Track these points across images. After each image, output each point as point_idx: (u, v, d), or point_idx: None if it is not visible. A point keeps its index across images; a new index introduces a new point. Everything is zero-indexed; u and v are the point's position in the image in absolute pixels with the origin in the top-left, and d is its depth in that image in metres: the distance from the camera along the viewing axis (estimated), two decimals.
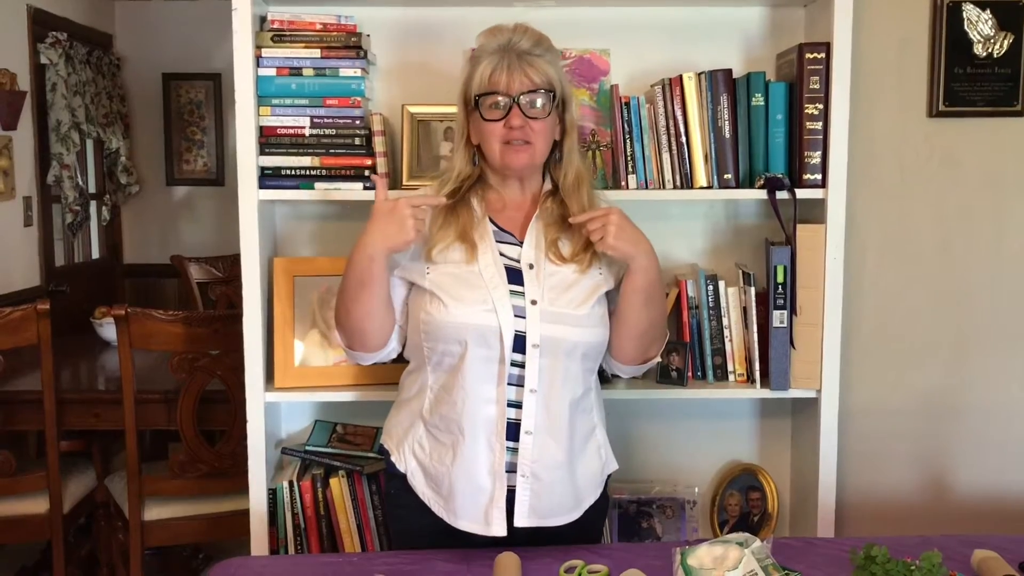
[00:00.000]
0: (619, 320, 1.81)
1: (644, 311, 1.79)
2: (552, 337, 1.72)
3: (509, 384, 1.72)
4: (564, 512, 1.79)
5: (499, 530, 1.74)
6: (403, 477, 1.81)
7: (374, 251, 1.70)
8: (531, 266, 1.76)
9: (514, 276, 1.75)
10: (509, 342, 1.70)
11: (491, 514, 1.74)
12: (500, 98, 1.72)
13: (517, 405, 1.73)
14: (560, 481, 1.76)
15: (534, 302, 1.72)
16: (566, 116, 1.81)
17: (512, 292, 1.73)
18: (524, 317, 1.72)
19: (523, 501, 1.74)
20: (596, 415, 1.86)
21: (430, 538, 1.80)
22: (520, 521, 1.75)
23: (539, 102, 1.73)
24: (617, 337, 1.82)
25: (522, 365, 1.72)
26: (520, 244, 1.79)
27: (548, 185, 1.85)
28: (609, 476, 1.90)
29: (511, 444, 1.73)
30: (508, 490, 1.74)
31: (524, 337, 1.72)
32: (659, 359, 1.95)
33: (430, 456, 1.78)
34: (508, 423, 1.73)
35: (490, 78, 1.73)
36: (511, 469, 1.74)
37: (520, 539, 1.75)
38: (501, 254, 1.77)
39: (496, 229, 1.80)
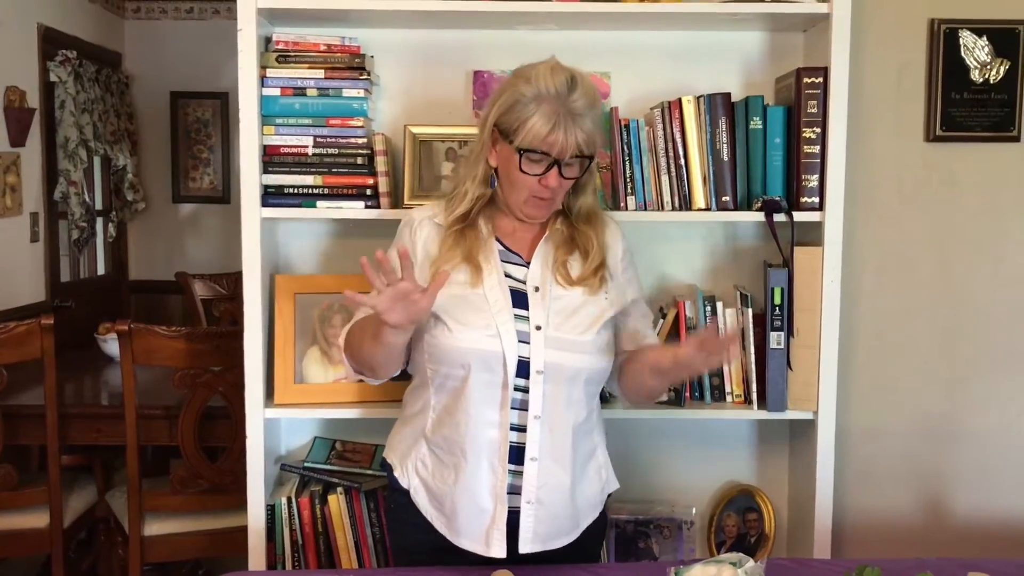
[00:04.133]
0: (638, 381, 1.84)
1: (664, 384, 1.88)
2: (556, 363, 1.72)
3: (512, 408, 1.72)
4: (564, 535, 1.79)
5: (499, 552, 1.74)
6: (406, 492, 1.81)
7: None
8: (537, 289, 1.75)
9: (519, 299, 1.74)
10: (513, 368, 1.70)
11: (492, 536, 1.74)
12: (545, 157, 1.69)
13: (521, 429, 1.73)
14: (562, 504, 1.76)
15: (539, 327, 1.72)
16: (591, 161, 1.78)
17: (517, 316, 1.72)
18: (528, 343, 1.71)
19: (527, 527, 1.74)
20: (597, 435, 1.86)
21: (430, 554, 1.80)
22: (524, 547, 1.74)
23: (578, 166, 1.73)
24: (629, 384, 1.87)
25: (526, 390, 1.72)
26: (527, 265, 1.78)
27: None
28: (609, 495, 1.91)
29: (515, 467, 1.73)
30: (511, 512, 1.74)
31: (528, 363, 1.71)
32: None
33: (432, 475, 1.78)
34: (512, 447, 1.73)
35: (546, 138, 1.66)
36: (514, 491, 1.74)
37: (520, 560, 1.75)
38: (507, 275, 1.76)
39: (503, 248, 1.79)
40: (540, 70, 1.69)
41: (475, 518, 1.74)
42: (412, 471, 1.81)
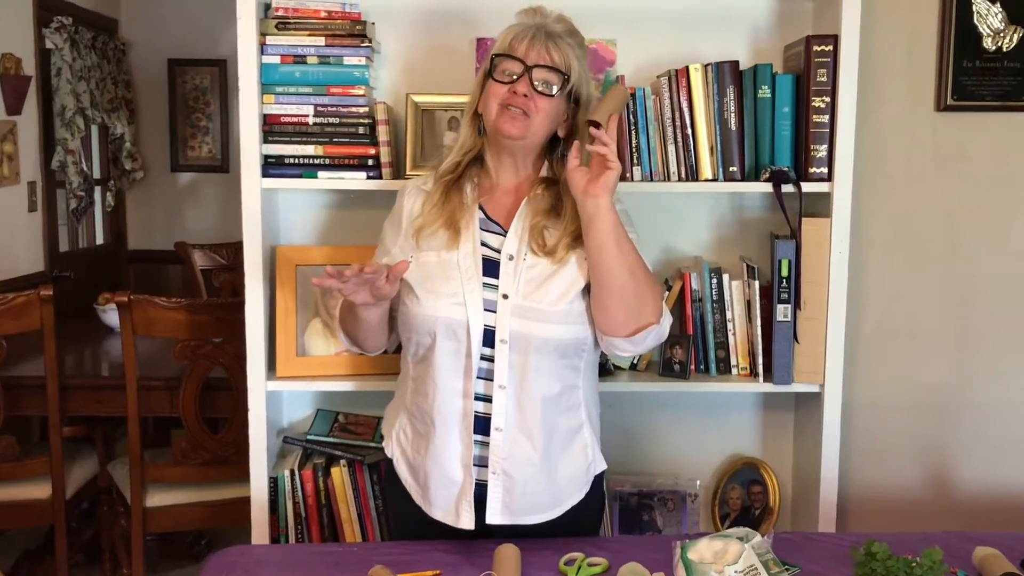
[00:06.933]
0: (600, 282, 1.67)
1: (619, 257, 1.65)
2: (521, 333, 1.70)
3: (479, 378, 1.71)
4: (540, 511, 1.77)
5: (467, 523, 1.73)
6: (391, 462, 1.84)
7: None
8: (511, 258, 1.73)
9: (491, 268, 1.73)
10: (477, 336, 1.69)
11: (460, 507, 1.74)
12: (514, 64, 1.71)
13: (489, 399, 1.72)
14: (534, 479, 1.74)
15: (505, 296, 1.71)
16: (578, 114, 1.77)
17: (486, 285, 1.71)
18: (495, 312, 1.70)
19: (495, 498, 1.73)
20: (584, 413, 1.81)
21: (417, 525, 1.80)
22: (492, 518, 1.74)
23: (550, 80, 1.71)
24: (603, 307, 1.68)
25: (492, 359, 1.71)
26: (505, 234, 1.76)
27: (545, 172, 1.80)
28: (601, 476, 1.86)
29: (482, 438, 1.73)
30: (482, 484, 1.73)
31: (494, 332, 1.70)
32: (659, 324, 1.71)
33: (411, 445, 1.80)
34: (479, 417, 1.72)
35: (510, 43, 1.73)
36: (483, 463, 1.73)
37: (498, 534, 1.74)
38: (484, 243, 1.75)
39: (483, 217, 1.78)
40: (522, 11, 1.79)
41: (445, 489, 1.75)
42: (395, 442, 1.84)
